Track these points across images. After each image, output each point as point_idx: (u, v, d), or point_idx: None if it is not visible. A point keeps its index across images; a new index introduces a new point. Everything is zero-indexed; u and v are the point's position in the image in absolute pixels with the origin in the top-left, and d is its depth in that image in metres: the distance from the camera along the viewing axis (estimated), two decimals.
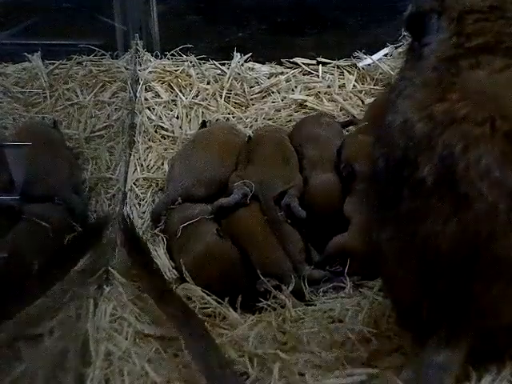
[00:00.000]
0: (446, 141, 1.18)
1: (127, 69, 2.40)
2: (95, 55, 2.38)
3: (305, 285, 1.70)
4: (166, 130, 2.26)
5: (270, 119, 2.30)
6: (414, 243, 1.21)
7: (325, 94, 2.38)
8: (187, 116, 2.31)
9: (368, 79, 2.46)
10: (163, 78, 2.42)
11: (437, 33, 1.31)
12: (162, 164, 2.12)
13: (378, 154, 1.28)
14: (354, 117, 2.26)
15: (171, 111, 2.33)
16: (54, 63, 2.38)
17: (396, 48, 2.51)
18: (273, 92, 2.41)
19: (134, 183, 2.05)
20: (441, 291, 1.22)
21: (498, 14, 1.32)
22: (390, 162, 1.24)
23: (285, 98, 2.38)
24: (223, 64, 2.48)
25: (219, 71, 2.46)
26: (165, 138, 2.24)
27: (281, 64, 2.51)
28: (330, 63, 2.51)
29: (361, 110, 2.29)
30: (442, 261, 1.19)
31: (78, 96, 2.26)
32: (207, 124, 2.22)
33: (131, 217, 1.90)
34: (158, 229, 1.88)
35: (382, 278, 1.43)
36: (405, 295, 1.29)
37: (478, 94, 1.21)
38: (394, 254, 1.26)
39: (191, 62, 2.48)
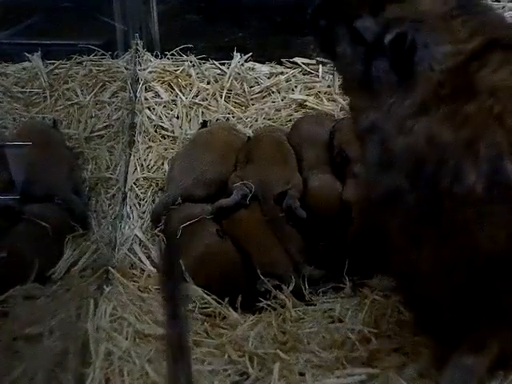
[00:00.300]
0: (490, 141, 1.16)
1: (127, 69, 2.40)
2: (95, 55, 2.38)
3: (305, 285, 1.70)
4: (166, 130, 2.26)
5: (270, 119, 2.30)
6: (464, 253, 1.19)
7: (325, 93, 2.38)
8: (187, 116, 2.31)
9: None
10: (163, 77, 2.42)
11: (426, 48, 1.26)
12: (162, 164, 2.12)
13: (398, 176, 1.25)
14: None
15: (171, 111, 2.33)
16: (53, 63, 2.38)
17: None
18: (273, 92, 2.40)
19: (134, 183, 2.05)
20: (482, 298, 1.21)
21: (466, 9, 1.31)
22: (420, 179, 1.22)
23: (285, 97, 2.38)
24: (223, 64, 2.48)
25: (219, 71, 2.46)
26: (165, 138, 2.24)
27: (281, 64, 2.51)
28: (330, 63, 2.50)
29: None
30: (491, 267, 1.18)
31: (77, 96, 2.26)
32: (207, 124, 2.22)
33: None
34: (157, 229, 1.88)
35: (409, 290, 1.40)
36: (440, 304, 1.28)
37: (501, 89, 1.20)
38: (436, 270, 1.24)
39: (191, 62, 2.48)
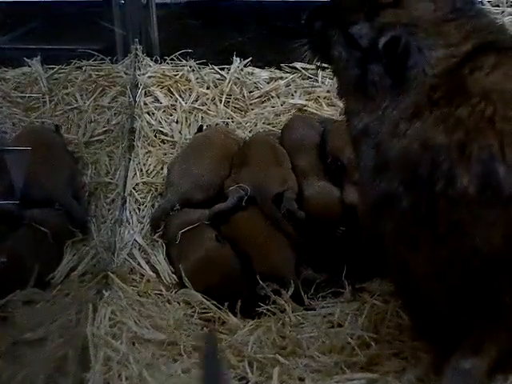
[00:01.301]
0: (482, 143, 1.16)
1: (127, 73, 2.41)
2: (95, 60, 2.38)
3: (304, 290, 1.70)
4: (166, 135, 2.26)
5: (269, 124, 2.30)
6: (459, 255, 1.19)
7: (324, 98, 2.38)
8: (187, 121, 2.31)
9: None
10: (163, 82, 2.42)
11: (420, 53, 1.27)
12: (162, 169, 2.12)
13: (392, 179, 1.26)
14: None
15: (171, 116, 2.33)
16: (53, 68, 2.38)
17: None
18: (272, 97, 2.41)
19: (133, 188, 2.05)
20: (479, 299, 1.21)
21: (461, 13, 1.31)
22: (414, 182, 1.22)
23: (284, 102, 2.38)
24: (223, 69, 2.48)
25: (219, 76, 2.46)
26: (164, 143, 2.24)
27: (280, 69, 2.51)
28: (329, 68, 2.50)
29: None
30: (487, 268, 1.18)
31: (77, 101, 2.26)
32: (203, 128, 2.22)
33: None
34: (157, 234, 1.88)
35: (407, 294, 1.39)
36: (437, 307, 1.28)
37: (494, 92, 1.20)
38: (433, 272, 1.24)
39: (191, 67, 2.48)
